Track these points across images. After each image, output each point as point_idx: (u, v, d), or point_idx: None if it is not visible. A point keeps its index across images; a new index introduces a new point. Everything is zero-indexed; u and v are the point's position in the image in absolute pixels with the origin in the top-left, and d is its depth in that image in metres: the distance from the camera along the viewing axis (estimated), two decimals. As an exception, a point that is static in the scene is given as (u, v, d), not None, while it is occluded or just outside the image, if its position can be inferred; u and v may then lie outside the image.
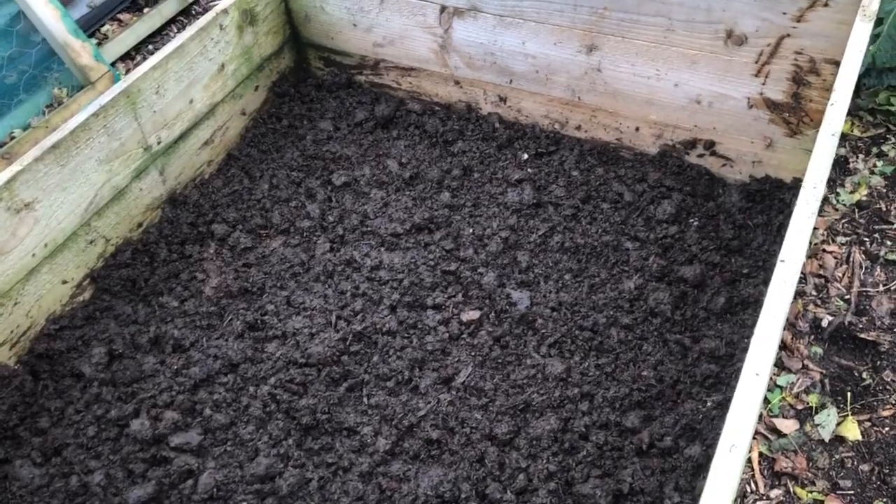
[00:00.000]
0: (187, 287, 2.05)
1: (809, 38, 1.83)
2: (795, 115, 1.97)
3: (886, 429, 1.95)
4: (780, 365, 2.10)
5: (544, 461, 1.62)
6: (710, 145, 2.13)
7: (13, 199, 1.79)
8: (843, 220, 2.44)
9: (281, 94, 2.53)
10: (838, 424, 1.96)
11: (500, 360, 1.82)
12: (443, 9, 2.23)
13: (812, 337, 2.16)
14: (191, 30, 2.15)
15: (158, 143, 2.14)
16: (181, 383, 1.81)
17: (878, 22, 2.59)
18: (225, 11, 2.23)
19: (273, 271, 2.06)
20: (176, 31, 3.31)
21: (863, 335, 2.12)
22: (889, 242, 2.36)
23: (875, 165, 2.59)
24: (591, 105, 2.22)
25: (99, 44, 3.08)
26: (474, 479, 1.61)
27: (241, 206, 2.24)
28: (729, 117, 2.05)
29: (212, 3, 3.51)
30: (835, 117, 1.44)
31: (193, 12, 3.40)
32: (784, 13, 1.82)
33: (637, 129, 2.21)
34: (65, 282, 1.99)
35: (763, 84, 1.95)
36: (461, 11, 2.21)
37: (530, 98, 2.30)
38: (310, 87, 2.58)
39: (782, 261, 1.17)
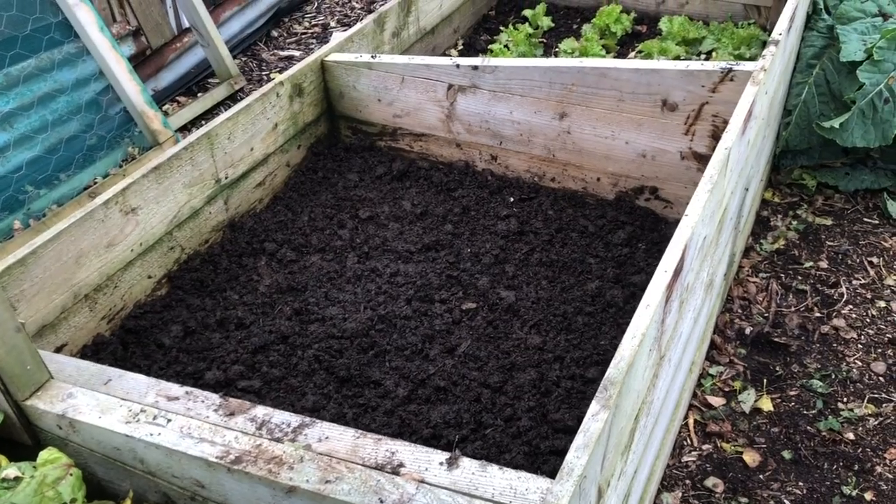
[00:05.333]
0: (245, 286, 2.60)
1: (722, 105, 2.49)
2: (716, 164, 2.61)
3: (792, 403, 2.49)
4: (711, 360, 2.64)
5: (526, 400, 2.14)
6: (654, 191, 2.76)
7: (125, 203, 2.36)
8: (764, 262, 3.05)
9: (317, 153, 3.16)
10: (756, 401, 2.50)
11: (492, 336, 2.36)
12: (450, 86, 2.90)
13: (737, 342, 2.72)
14: (256, 94, 2.80)
15: (226, 178, 2.73)
16: (244, 347, 2.33)
17: (788, 113, 3.30)
18: (281, 83, 2.89)
19: (313, 276, 2.62)
20: (223, 110, 3.99)
21: (777, 340, 2.69)
22: (800, 277, 2.96)
23: (791, 224, 3.23)
24: (563, 161, 2.86)
25: (162, 118, 3.75)
26: (473, 411, 2.12)
27: (286, 232, 2.82)
28: (667, 168, 2.69)
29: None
30: (727, 140, 2.06)
31: (238, 97, 4.10)
32: (703, 86, 2.49)
33: (598, 179, 2.84)
34: (149, 277, 2.53)
35: (691, 140, 2.60)
36: (464, 88, 2.88)
37: (516, 156, 2.94)
38: (339, 149, 3.22)
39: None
